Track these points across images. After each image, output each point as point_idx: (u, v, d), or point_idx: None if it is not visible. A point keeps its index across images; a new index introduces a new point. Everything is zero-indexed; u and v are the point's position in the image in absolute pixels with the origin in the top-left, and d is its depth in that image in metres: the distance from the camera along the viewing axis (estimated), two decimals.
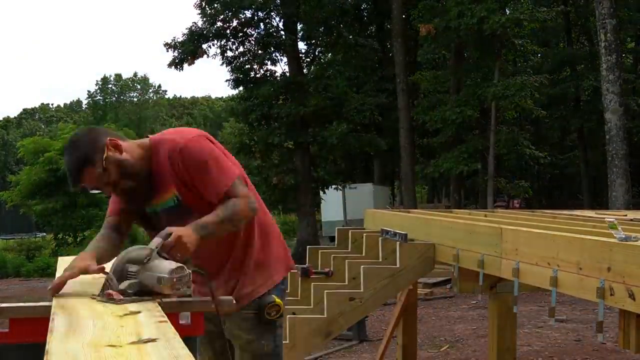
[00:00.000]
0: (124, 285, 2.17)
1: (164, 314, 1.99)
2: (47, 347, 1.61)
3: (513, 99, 17.81)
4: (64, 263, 2.59)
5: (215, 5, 22.65)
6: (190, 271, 2.25)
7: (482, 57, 20.46)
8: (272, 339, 2.73)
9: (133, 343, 1.60)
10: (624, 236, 2.94)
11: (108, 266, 2.32)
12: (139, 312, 2.00)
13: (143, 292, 2.18)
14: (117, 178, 2.46)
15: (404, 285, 5.01)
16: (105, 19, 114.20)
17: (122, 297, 2.12)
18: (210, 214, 2.44)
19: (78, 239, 26.03)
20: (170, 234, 2.30)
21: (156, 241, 2.28)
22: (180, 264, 2.22)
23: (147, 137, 2.68)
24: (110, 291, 2.15)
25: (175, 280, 2.17)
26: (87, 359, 1.48)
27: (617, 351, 6.73)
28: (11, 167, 46.13)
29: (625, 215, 5.43)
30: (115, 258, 2.30)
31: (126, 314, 1.99)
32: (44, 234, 30.81)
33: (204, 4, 22.79)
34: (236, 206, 2.48)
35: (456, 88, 20.85)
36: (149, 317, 1.94)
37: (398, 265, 4.61)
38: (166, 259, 2.25)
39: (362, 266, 4.63)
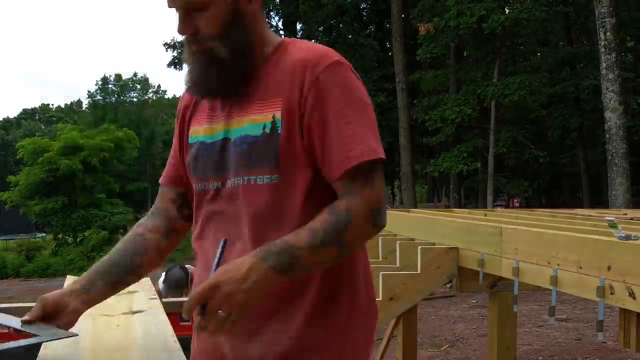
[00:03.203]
0: None
1: (156, 293, 2.28)
2: None
3: (512, 97, 17.83)
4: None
5: None
6: None
7: (481, 56, 20.47)
8: None
9: (124, 313, 1.94)
10: (624, 235, 2.94)
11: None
12: (135, 291, 2.28)
13: None
14: (217, 30, 1.44)
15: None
16: (105, 19, 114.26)
17: None
18: (299, 230, 1.36)
19: (78, 239, 26.04)
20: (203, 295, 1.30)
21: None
22: None
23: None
24: None
25: None
26: (84, 324, 1.73)
27: (618, 350, 6.73)
28: (11, 167, 46.13)
29: (626, 214, 5.43)
30: None
31: (124, 293, 2.20)
32: (44, 234, 30.81)
33: None
34: (352, 214, 1.37)
35: (456, 87, 20.86)
36: (142, 295, 2.23)
37: (398, 265, 4.61)
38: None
39: None
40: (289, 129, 1.41)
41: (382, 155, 1.40)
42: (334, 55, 1.47)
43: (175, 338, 1.68)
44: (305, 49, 1.48)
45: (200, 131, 1.55)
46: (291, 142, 1.41)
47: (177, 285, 4.91)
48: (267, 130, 1.41)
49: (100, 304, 1.69)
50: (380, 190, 1.41)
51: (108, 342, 1.66)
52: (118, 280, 1.57)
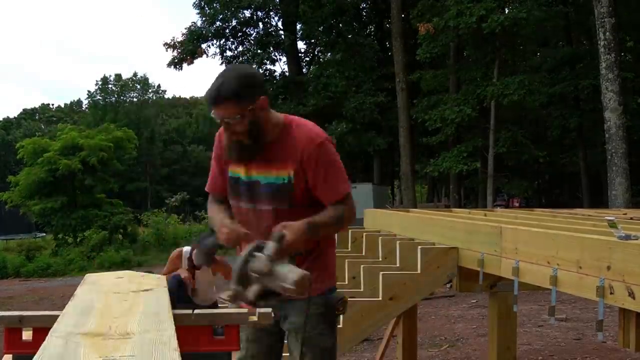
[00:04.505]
0: (252, 294, 2.39)
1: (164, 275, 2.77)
2: (74, 293, 2.33)
3: (512, 97, 17.83)
4: (90, 280, 2.64)
5: (215, 5, 22.66)
6: (308, 273, 2.38)
7: (481, 56, 20.47)
8: (333, 335, 2.77)
9: (133, 291, 2.34)
10: (623, 235, 2.94)
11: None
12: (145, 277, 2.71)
13: (268, 294, 2.40)
14: (244, 130, 2.55)
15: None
16: (105, 19, 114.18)
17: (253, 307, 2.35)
18: (321, 214, 2.58)
19: (78, 239, 26.02)
20: (283, 236, 2.42)
21: (273, 246, 2.40)
22: (303, 273, 2.34)
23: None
24: (242, 303, 2.41)
25: (298, 288, 2.33)
26: (98, 298, 2.22)
27: (617, 350, 6.73)
28: (11, 167, 46.11)
29: (625, 214, 5.44)
30: (234, 264, 2.44)
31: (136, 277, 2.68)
32: (44, 234, 30.80)
33: (203, 4, 22.81)
34: (344, 214, 2.63)
35: (456, 87, 20.87)
36: (153, 276, 2.73)
37: (398, 265, 4.61)
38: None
39: (361, 266, 4.63)
40: (297, 182, 2.60)
41: (348, 190, 2.69)
42: (321, 135, 2.65)
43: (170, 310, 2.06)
44: (303, 131, 2.64)
45: (240, 171, 2.68)
46: (297, 189, 2.60)
47: (210, 251, 4.97)
48: (286, 181, 2.60)
49: (115, 285, 2.45)
50: (353, 205, 2.69)
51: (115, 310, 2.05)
52: None
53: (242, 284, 2.39)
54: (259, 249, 2.40)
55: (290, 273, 2.33)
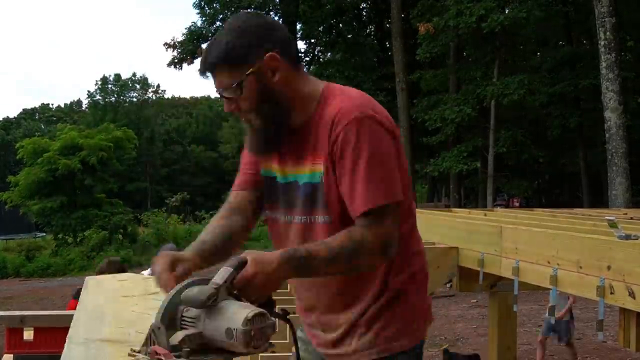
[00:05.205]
0: (176, 338, 1.49)
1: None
2: (80, 297, 2.30)
3: (512, 97, 17.83)
4: (93, 283, 2.65)
5: (215, 5, 22.68)
6: (273, 319, 1.56)
7: (481, 56, 20.47)
8: None
9: (141, 295, 2.28)
10: (623, 235, 2.94)
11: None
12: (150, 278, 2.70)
13: (205, 347, 1.52)
14: (250, 107, 1.76)
15: None
16: (104, 19, 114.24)
17: (173, 357, 1.46)
18: (323, 242, 1.70)
19: (78, 239, 26.03)
20: (244, 262, 1.58)
21: (224, 272, 1.55)
22: (260, 310, 1.50)
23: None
24: (156, 347, 1.49)
25: (252, 333, 1.47)
26: (107, 303, 2.15)
27: (618, 349, 6.73)
28: (11, 167, 46.10)
29: (626, 214, 5.43)
30: (167, 294, 1.57)
31: (140, 279, 2.63)
32: (44, 234, 30.81)
33: (203, 4, 22.83)
34: (363, 242, 1.68)
35: (455, 87, 20.87)
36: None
37: None
38: (237, 298, 1.56)
39: None
40: (327, 179, 1.75)
41: (387, 200, 1.70)
42: (354, 109, 1.72)
43: None
44: (336, 104, 1.76)
45: (274, 168, 1.88)
46: (330, 190, 1.76)
47: None
48: (317, 180, 1.77)
49: (119, 287, 2.36)
50: (390, 227, 1.72)
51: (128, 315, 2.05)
52: (214, 256, 1.81)
53: (167, 321, 1.52)
54: (206, 280, 1.56)
55: (244, 310, 1.48)
